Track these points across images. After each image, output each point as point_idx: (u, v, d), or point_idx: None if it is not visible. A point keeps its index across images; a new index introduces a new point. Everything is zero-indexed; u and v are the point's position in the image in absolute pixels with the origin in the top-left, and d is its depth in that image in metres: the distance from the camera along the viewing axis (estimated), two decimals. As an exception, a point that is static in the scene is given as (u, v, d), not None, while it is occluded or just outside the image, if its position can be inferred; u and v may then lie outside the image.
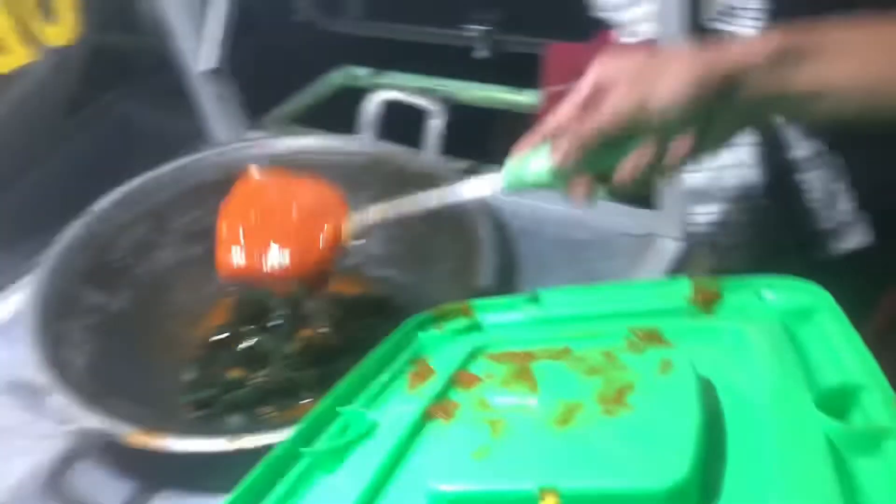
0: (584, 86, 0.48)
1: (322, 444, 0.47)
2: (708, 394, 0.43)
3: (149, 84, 0.96)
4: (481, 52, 0.94)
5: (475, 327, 0.58)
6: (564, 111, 0.49)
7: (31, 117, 0.84)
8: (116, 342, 0.72)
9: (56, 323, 0.68)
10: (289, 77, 1.12)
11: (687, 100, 0.43)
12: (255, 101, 1.02)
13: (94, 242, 0.76)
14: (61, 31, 0.80)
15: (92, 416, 0.58)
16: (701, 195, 0.63)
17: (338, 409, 0.49)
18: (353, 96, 1.16)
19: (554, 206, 0.81)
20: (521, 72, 1.01)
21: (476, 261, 0.69)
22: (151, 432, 0.57)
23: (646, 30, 0.63)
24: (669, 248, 0.72)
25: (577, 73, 0.69)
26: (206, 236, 0.82)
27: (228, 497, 0.43)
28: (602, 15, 0.66)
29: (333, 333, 0.73)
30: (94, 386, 0.65)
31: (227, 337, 0.74)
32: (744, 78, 0.44)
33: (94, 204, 0.77)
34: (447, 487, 0.40)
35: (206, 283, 0.80)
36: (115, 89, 0.92)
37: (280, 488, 0.44)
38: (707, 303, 0.52)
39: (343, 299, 0.76)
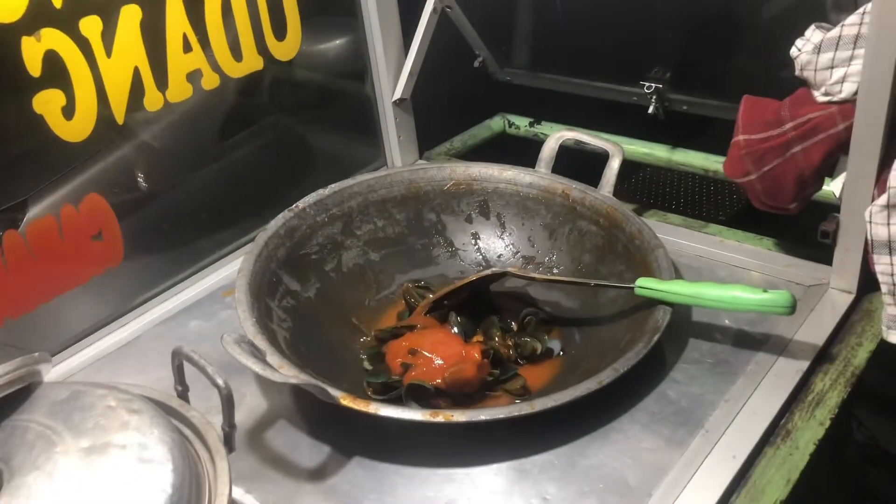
0: None
1: None
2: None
3: (328, 113, 1.05)
4: (651, 110, 0.99)
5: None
6: None
7: (219, 120, 0.92)
8: (307, 325, 0.78)
9: (264, 298, 0.75)
10: (453, 119, 1.20)
11: None
12: (423, 137, 1.11)
13: (294, 235, 0.83)
14: (287, 47, 0.90)
15: (307, 375, 0.64)
16: (883, 246, 0.66)
17: None
18: (509, 142, 1.25)
19: (720, 252, 0.85)
20: (682, 132, 1.06)
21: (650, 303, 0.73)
22: (358, 398, 0.62)
23: (848, 89, 0.68)
24: (840, 300, 0.75)
25: (769, 126, 0.75)
26: (386, 244, 0.90)
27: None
28: (804, 74, 0.71)
29: (502, 345, 0.77)
30: (295, 357, 0.71)
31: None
32: None
33: (295, 203, 0.85)
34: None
35: (382, 288, 0.87)
36: (298, 114, 1.00)
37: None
38: None
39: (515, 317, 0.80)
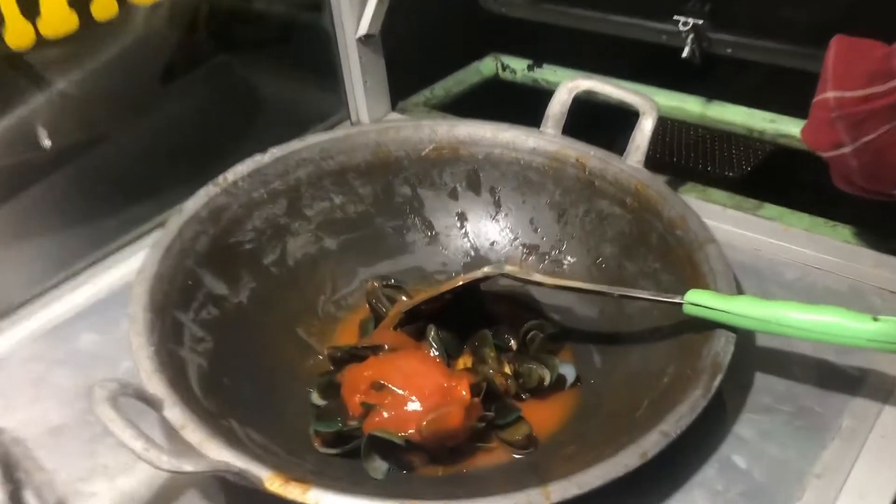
0: None
1: None
2: None
3: (274, 52, 0.83)
4: (686, 53, 0.78)
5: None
6: None
7: (141, 68, 0.71)
8: (235, 345, 0.58)
9: (172, 311, 0.55)
10: (433, 60, 0.98)
11: None
12: (395, 83, 0.90)
13: (219, 219, 0.62)
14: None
15: (217, 446, 0.44)
16: None
17: None
18: (503, 90, 1.04)
19: (783, 244, 0.65)
20: (718, 81, 0.86)
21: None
22: (293, 480, 0.43)
23: None
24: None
25: (872, 79, 0.54)
26: (345, 228, 0.69)
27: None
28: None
29: (498, 374, 0.58)
30: (212, 399, 0.51)
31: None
32: None
33: (222, 174, 0.64)
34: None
35: (340, 286, 0.67)
36: (235, 52, 0.79)
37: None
38: None
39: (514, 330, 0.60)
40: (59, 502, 0.32)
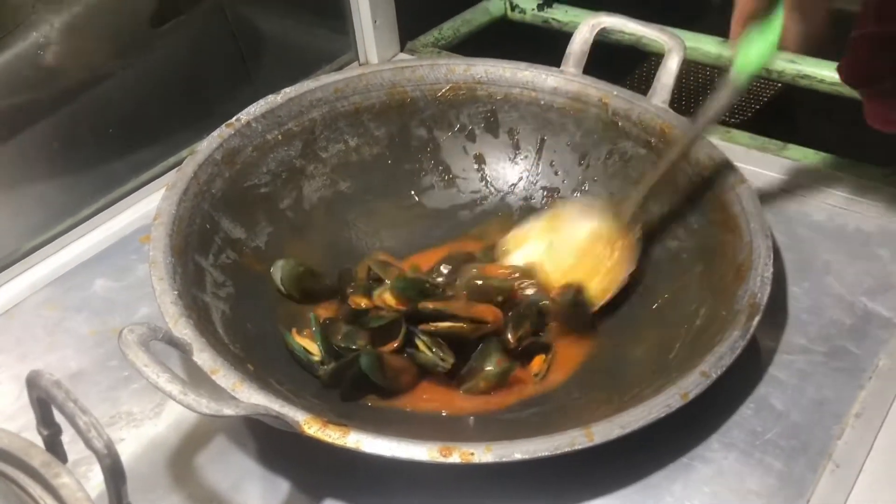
0: None
1: None
2: None
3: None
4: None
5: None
6: None
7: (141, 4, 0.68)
8: (256, 290, 0.57)
9: (192, 255, 0.53)
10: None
11: None
12: (403, 23, 0.87)
13: (235, 160, 0.60)
14: None
15: (249, 391, 0.43)
16: None
17: None
18: (514, 31, 1.01)
19: (813, 184, 0.64)
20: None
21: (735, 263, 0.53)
22: (331, 423, 0.42)
23: None
24: None
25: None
26: (361, 171, 0.67)
27: None
28: None
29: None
30: (239, 345, 0.50)
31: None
32: None
33: (235, 115, 0.62)
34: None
35: (355, 231, 0.65)
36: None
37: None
38: None
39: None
40: (106, 447, 0.31)
